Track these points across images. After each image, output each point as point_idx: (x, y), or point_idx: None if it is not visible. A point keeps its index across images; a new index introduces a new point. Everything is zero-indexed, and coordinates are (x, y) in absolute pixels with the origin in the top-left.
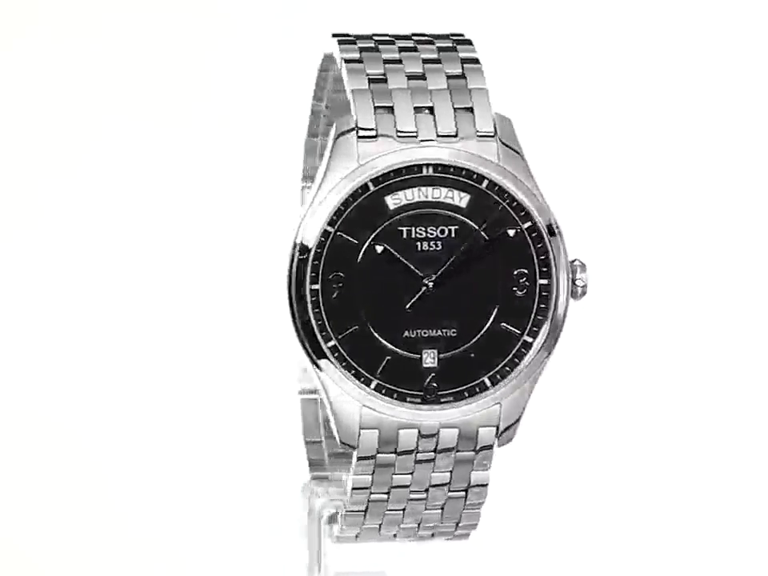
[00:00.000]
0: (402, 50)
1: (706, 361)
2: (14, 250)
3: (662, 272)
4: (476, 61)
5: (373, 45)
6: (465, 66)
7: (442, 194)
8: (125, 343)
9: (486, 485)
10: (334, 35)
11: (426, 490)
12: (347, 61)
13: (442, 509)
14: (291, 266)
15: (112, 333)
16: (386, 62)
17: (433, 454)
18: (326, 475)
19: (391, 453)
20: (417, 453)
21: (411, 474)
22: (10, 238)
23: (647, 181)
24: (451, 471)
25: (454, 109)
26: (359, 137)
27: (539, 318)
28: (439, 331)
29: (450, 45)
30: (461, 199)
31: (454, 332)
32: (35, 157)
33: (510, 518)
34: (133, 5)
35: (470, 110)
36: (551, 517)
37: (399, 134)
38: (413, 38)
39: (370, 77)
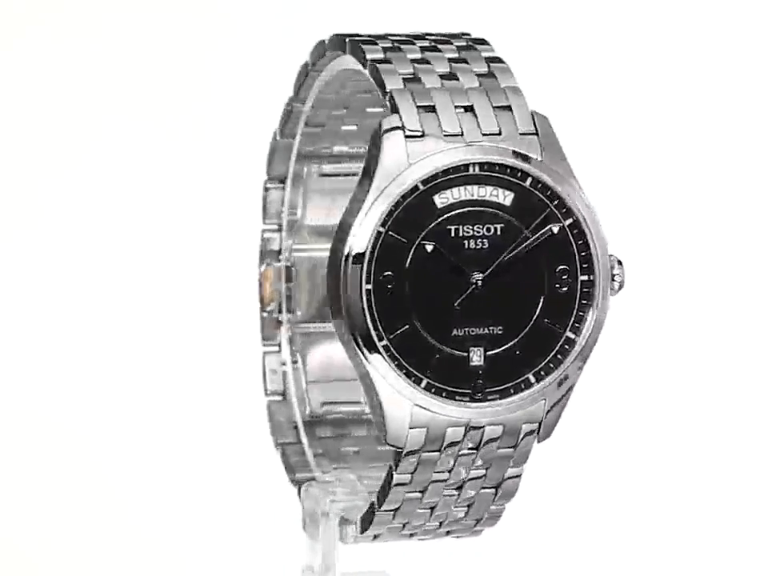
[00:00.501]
0: (423, 49)
1: (730, 360)
2: None
3: (680, 265)
4: (500, 60)
5: (391, 45)
6: (491, 65)
7: (487, 193)
8: (88, 346)
9: (519, 480)
10: (349, 36)
11: (459, 488)
12: (375, 61)
13: (469, 506)
14: (345, 268)
15: (75, 335)
16: (413, 61)
17: (475, 451)
18: (312, 476)
19: (435, 451)
20: (459, 450)
21: (449, 471)
22: None
23: (661, 177)
24: (487, 468)
25: (493, 108)
26: (407, 136)
27: (580, 314)
28: (486, 329)
29: (468, 44)
30: (505, 197)
31: (500, 330)
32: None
33: (512, 517)
34: (132, 5)
35: (508, 108)
36: (553, 516)
37: (445, 133)
38: (426, 37)
39: (404, 76)
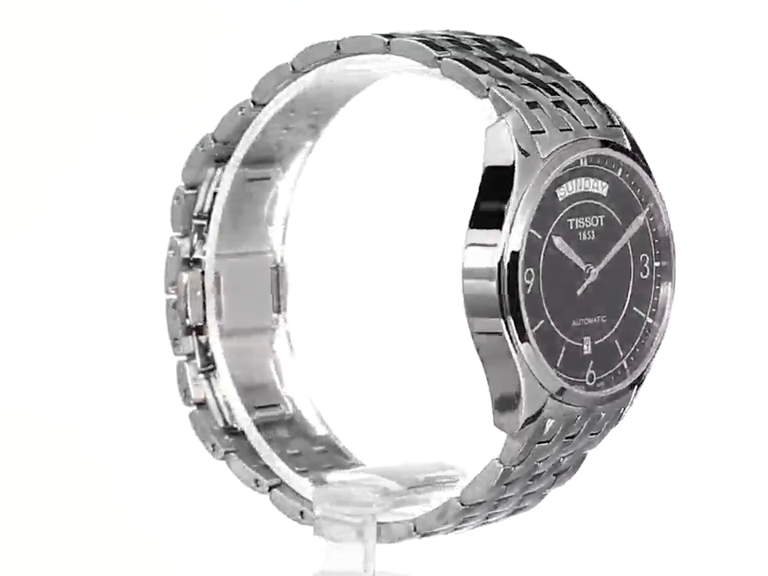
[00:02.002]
0: (477, 47)
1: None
2: None
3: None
4: (548, 58)
5: (444, 45)
6: (541, 63)
7: (590, 185)
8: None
9: (582, 463)
10: (389, 36)
11: (534, 478)
12: (451, 59)
13: (526, 495)
14: (501, 266)
15: None
16: (483, 59)
17: (573, 440)
18: (280, 481)
19: (547, 442)
20: (563, 440)
21: (541, 461)
22: None
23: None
24: (564, 456)
25: (578, 101)
26: (532, 132)
27: (655, 299)
28: (594, 319)
29: (504, 43)
30: (603, 188)
31: (603, 319)
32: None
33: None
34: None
35: (587, 102)
36: (554, 516)
37: (560, 128)
38: (452, 34)
39: (491, 74)
